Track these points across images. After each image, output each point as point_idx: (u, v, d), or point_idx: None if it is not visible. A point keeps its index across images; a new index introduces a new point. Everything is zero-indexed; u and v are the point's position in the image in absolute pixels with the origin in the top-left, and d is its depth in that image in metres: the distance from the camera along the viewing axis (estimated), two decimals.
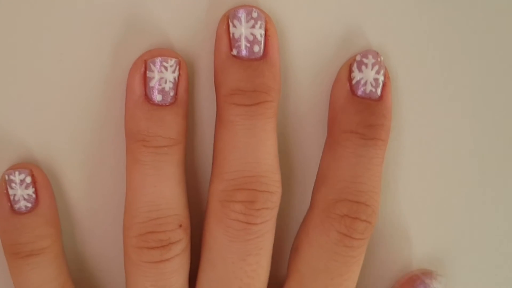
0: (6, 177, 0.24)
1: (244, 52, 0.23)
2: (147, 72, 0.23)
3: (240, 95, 0.23)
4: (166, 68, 0.23)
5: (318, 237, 0.23)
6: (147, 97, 0.23)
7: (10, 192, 0.24)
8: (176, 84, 0.23)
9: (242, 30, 0.23)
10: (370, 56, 0.24)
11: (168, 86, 0.23)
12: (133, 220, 0.23)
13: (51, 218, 0.24)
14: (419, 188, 0.26)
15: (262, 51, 0.23)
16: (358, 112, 0.23)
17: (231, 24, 0.23)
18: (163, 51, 0.23)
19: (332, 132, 0.24)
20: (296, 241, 0.24)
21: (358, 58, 0.24)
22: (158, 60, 0.23)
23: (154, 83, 0.23)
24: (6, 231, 0.24)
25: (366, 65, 0.24)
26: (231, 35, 0.23)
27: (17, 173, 0.24)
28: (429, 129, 0.25)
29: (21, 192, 0.24)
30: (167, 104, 0.23)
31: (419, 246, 0.26)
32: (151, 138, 0.23)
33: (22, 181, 0.24)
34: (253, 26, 0.23)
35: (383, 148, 0.24)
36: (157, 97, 0.23)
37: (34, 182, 0.24)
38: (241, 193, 0.22)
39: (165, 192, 0.23)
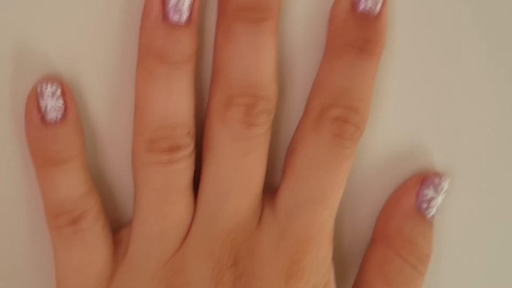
0: (38, 89, 0.25)
1: None
2: None
3: (247, 11, 0.24)
4: None
5: (312, 136, 0.26)
6: (165, 16, 0.24)
7: (42, 103, 0.25)
8: (191, 5, 0.25)
9: None
10: None
11: (185, 7, 0.25)
12: (146, 127, 0.25)
13: (78, 128, 0.26)
14: (409, 101, 0.28)
15: None
16: (358, 27, 0.25)
17: None
18: None
19: (331, 44, 0.26)
20: (291, 143, 0.27)
21: None
22: None
23: (172, 4, 0.25)
24: (38, 141, 0.25)
25: None
26: None
27: (49, 85, 0.25)
28: (418, 48, 0.27)
29: (53, 103, 0.25)
30: (183, 23, 0.25)
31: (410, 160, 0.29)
32: (168, 53, 0.24)
33: (53, 93, 0.25)
34: None
35: (377, 62, 0.26)
36: (174, 16, 0.25)
37: (63, 94, 0.25)
38: (243, 97, 0.25)
39: (177, 103, 0.25)
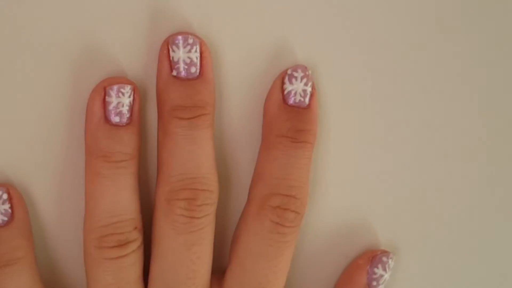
0: None
1: (183, 73, 0.26)
2: (106, 97, 0.26)
3: (181, 110, 0.26)
4: (123, 93, 0.26)
5: (254, 225, 0.27)
6: (107, 119, 0.26)
7: None
8: (131, 107, 0.26)
9: (180, 54, 0.26)
10: (299, 70, 0.27)
11: (125, 109, 0.26)
12: (95, 225, 0.26)
13: (25, 231, 0.26)
14: (345, 182, 0.29)
15: (198, 71, 0.26)
16: (289, 118, 0.27)
17: (170, 49, 0.26)
18: (120, 79, 0.26)
19: (267, 136, 0.27)
20: (236, 231, 0.28)
21: (289, 72, 0.27)
22: (115, 87, 0.26)
23: (112, 106, 0.26)
24: None
25: (296, 78, 0.27)
26: (171, 58, 0.26)
27: None
28: (351, 131, 0.29)
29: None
30: (124, 124, 0.26)
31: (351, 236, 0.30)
32: (112, 154, 0.26)
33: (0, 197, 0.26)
34: (189, 51, 0.26)
35: (311, 149, 0.27)
36: (115, 118, 0.26)
37: (10, 199, 0.26)
38: (184, 192, 0.26)
39: (123, 200, 0.26)
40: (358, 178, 0.29)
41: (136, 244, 0.26)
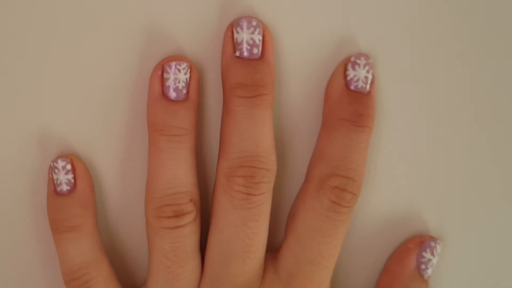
0: (52, 164, 0.28)
1: (245, 54, 0.27)
2: (164, 74, 0.27)
3: (242, 88, 0.27)
4: (179, 70, 0.27)
5: (313, 203, 0.27)
6: (164, 94, 0.27)
7: (54, 176, 0.28)
8: (188, 84, 0.27)
9: (243, 35, 0.27)
10: (362, 58, 0.28)
11: (181, 85, 0.27)
12: (154, 195, 0.27)
13: (86, 200, 0.28)
14: (396, 170, 0.30)
15: (260, 53, 0.27)
16: (351, 103, 0.28)
17: (235, 31, 0.27)
18: (177, 57, 0.27)
19: (328, 119, 0.28)
20: (293, 208, 0.29)
21: (352, 59, 0.28)
22: (173, 64, 0.27)
23: (169, 82, 0.27)
24: (51, 210, 0.28)
25: (358, 65, 0.28)
26: (235, 39, 0.27)
27: (59, 160, 0.28)
28: (406, 121, 0.29)
29: (63, 177, 0.28)
30: (180, 100, 0.27)
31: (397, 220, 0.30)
32: (167, 128, 0.27)
33: (63, 167, 0.28)
34: (252, 33, 0.27)
35: (369, 134, 0.28)
36: (172, 94, 0.27)
37: (73, 170, 0.28)
38: (243, 169, 0.26)
39: (179, 174, 0.27)
40: (408, 166, 0.30)
41: (192, 216, 0.27)
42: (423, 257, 0.29)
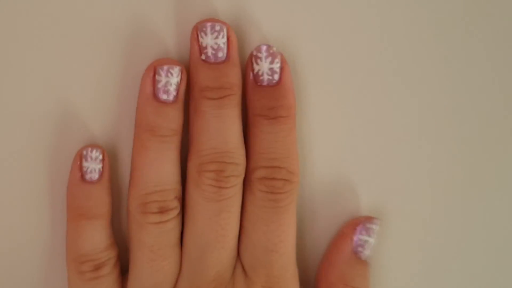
0: (83, 152, 0.29)
1: (211, 58, 0.28)
2: (156, 76, 0.28)
3: (209, 91, 0.28)
4: (172, 73, 0.28)
5: (250, 198, 0.29)
6: (155, 96, 0.28)
7: (85, 164, 0.29)
8: (178, 86, 0.29)
9: (208, 40, 0.28)
10: (262, 50, 0.29)
11: (172, 88, 0.28)
12: (140, 192, 0.28)
13: (109, 189, 0.29)
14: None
15: (225, 56, 0.29)
16: (260, 98, 0.29)
17: (199, 35, 0.28)
18: (169, 60, 0.29)
19: (248, 116, 0.29)
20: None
21: (254, 52, 0.29)
22: (165, 67, 0.28)
23: (161, 85, 0.28)
24: (76, 196, 0.29)
25: (260, 58, 0.29)
26: (200, 43, 0.28)
27: (94, 150, 0.29)
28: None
29: (95, 165, 0.29)
30: (171, 102, 0.28)
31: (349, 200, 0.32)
32: (158, 128, 0.28)
33: (96, 157, 0.29)
34: (216, 37, 0.28)
35: (287, 122, 0.29)
36: (163, 96, 0.28)
37: (103, 160, 0.29)
38: (213, 164, 0.28)
39: (166, 172, 0.29)
40: (342, 146, 0.31)
41: (176, 211, 0.29)
42: (360, 239, 0.30)
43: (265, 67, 0.29)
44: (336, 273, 0.30)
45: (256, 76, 0.29)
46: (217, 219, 0.29)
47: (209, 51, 0.29)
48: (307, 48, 0.30)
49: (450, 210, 0.32)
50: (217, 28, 0.29)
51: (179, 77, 0.28)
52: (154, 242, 0.29)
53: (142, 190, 0.29)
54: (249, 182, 0.29)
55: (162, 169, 0.29)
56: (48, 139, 0.30)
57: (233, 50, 0.29)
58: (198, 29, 0.29)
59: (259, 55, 0.29)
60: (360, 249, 0.30)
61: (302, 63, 0.30)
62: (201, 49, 0.29)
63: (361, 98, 0.31)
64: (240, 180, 0.29)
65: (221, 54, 0.29)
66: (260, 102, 0.29)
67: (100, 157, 0.29)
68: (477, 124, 0.31)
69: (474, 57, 0.31)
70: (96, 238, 0.29)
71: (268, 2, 0.30)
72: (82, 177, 0.29)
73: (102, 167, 0.29)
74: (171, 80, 0.28)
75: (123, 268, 0.31)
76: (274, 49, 0.29)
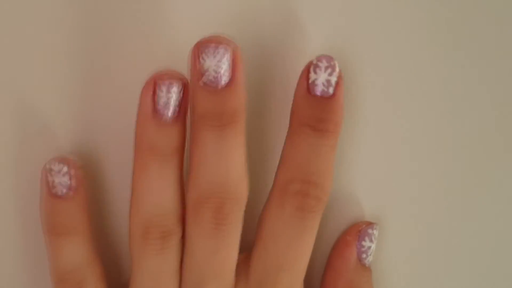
0: (47, 166, 0.28)
1: (212, 84, 0.26)
2: (158, 91, 0.26)
3: (210, 117, 0.26)
4: (174, 91, 0.27)
5: (277, 210, 0.28)
6: (156, 113, 0.27)
7: (50, 179, 0.28)
8: (180, 103, 0.27)
9: (209, 63, 0.26)
10: (323, 60, 0.27)
11: (174, 104, 0.27)
12: (141, 216, 0.27)
13: (82, 203, 0.28)
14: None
15: (228, 79, 0.26)
16: (311, 108, 0.27)
17: (200, 58, 0.26)
18: (171, 73, 0.27)
19: (291, 124, 0.28)
20: (261, 215, 0.29)
21: (314, 61, 0.27)
22: (167, 82, 0.26)
23: (162, 101, 0.27)
24: (47, 212, 0.28)
25: (320, 67, 0.27)
26: (200, 65, 0.26)
27: (57, 163, 0.28)
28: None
29: (60, 179, 0.28)
30: (172, 119, 0.27)
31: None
32: (159, 147, 0.27)
33: (61, 170, 0.28)
34: (219, 60, 0.26)
35: (332, 138, 0.27)
36: (164, 113, 0.27)
37: (70, 172, 0.28)
38: (211, 200, 0.27)
39: (168, 194, 0.27)
40: (342, 147, 0.31)
41: (178, 236, 0.28)
42: (363, 246, 0.30)
43: (322, 78, 0.27)
44: (343, 281, 0.30)
45: (311, 85, 0.27)
46: (215, 257, 0.28)
47: (211, 76, 0.26)
48: None
49: (451, 213, 0.32)
50: (221, 50, 0.26)
51: (181, 93, 0.27)
52: (155, 268, 0.28)
53: (143, 213, 0.27)
54: (281, 192, 0.28)
55: (164, 191, 0.27)
56: (33, 149, 0.30)
57: (238, 73, 0.26)
58: (199, 51, 0.26)
59: (320, 64, 0.27)
60: (364, 255, 0.30)
61: None
62: (202, 72, 0.26)
63: (361, 100, 0.30)
64: (241, 215, 0.28)
65: (224, 78, 0.26)
66: (310, 111, 0.27)
67: (65, 170, 0.28)
68: (478, 129, 0.31)
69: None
70: (73, 254, 0.28)
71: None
72: (50, 191, 0.28)
73: (75, 182, 0.28)
74: (173, 97, 0.27)
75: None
76: (335, 62, 0.27)
